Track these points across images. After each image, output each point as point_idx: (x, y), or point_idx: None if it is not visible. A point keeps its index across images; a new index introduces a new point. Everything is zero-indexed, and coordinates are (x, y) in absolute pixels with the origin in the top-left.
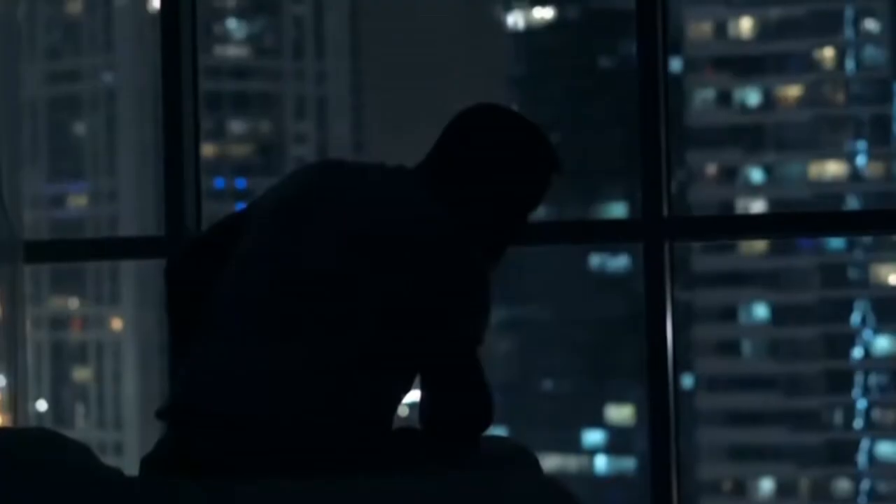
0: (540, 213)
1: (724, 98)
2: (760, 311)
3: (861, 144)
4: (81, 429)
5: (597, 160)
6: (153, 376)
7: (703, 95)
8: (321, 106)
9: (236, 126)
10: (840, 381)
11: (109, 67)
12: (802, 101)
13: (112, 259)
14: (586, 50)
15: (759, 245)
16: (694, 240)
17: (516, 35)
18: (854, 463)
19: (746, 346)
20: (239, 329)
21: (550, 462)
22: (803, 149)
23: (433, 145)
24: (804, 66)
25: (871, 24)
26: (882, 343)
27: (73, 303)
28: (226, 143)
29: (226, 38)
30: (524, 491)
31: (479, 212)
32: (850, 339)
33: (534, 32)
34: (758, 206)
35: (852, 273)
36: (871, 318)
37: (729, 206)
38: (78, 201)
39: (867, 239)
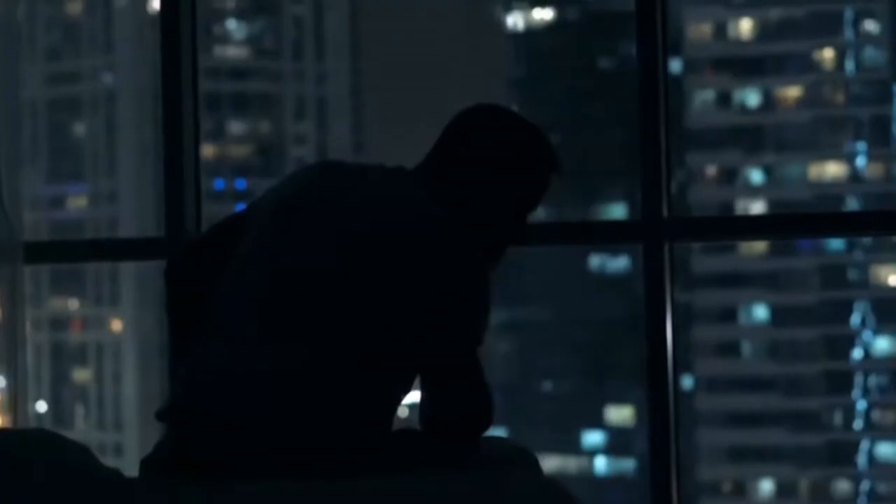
0: (540, 213)
1: (724, 99)
2: (760, 311)
3: (861, 145)
4: (81, 430)
5: (597, 161)
6: (153, 377)
7: (703, 96)
8: (321, 106)
9: (236, 127)
10: (840, 382)
11: (109, 68)
12: (802, 102)
13: (112, 260)
14: (586, 51)
15: (759, 246)
16: (694, 241)
17: (516, 36)
18: (854, 464)
19: (746, 347)
20: (239, 329)
21: (550, 463)
22: (803, 150)
23: (433, 146)
24: (804, 67)
25: (870, 25)
26: (882, 344)
27: (73, 304)
28: (225, 143)
29: (225, 39)
30: (524, 491)
31: (479, 212)
32: (850, 339)
33: (533, 33)
34: (757, 207)
35: (852, 274)
36: (871, 319)
37: (729, 206)
38: (78, 202)
39: (867, 240)
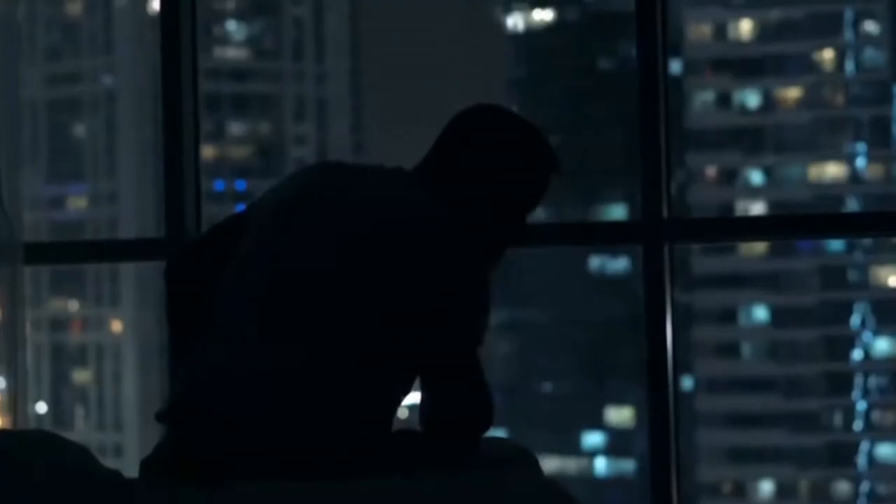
0: (540, 214)
1: (724, 100)
2: (760, 312)
3: (861, 146)
4: (81, 431)
5: (596, 161)
6: (153, 378)
7: (703, 97)
8: (321, 107)
9: (236, 128)
10: (840, 383)
11: (109, 69)
12: (802, 103)
13: (112, 261)
14: (586, 51)
15: (759, 247)
16: (694, 241)
17: (516, 37)
18: (854, 465)
19: (746, 348)
20: (239, 329)
21: (550, 464)
22: (803, 150)
23: (432, 146)
24: (804, 67)
25: (870, 26)
26: (882, 345)
27: (73, 305)
28: (225, 144)
29: (225, 40)
30: (524, 492)
31: (479, 212)
32: (850, 340)
33: (533, 34)
34: (757, 208)
35: (852, 275)
36: (871, 320)
37: (729, 207)
38: (78, 203)
39: (867, 241)
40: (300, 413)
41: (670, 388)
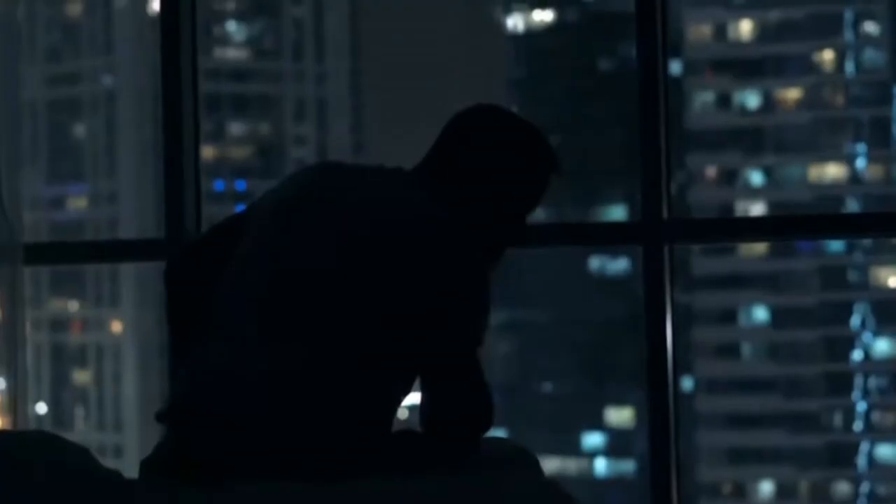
0: (540, 215)
1: (724, 100)
2: (760, 313)
3: (861, 147)
4: (81, 431)
5: (596, 162)
6: (153, 378)
7: (703, 98)
8: (321, 107)
9: (236, 128)
10: (840, 384)
11: (109, 69)
12: (802, 104)
13: (112, 261)
14: (586, 52)
15: (759, 247)
16: (694, 242)
17: (516, 37)
18: (854, 465)
19: (746, 349)
20: (239, 329)
21: (550, 464)
22: (803, 151)
23: (432, 146)
24: (804, 68)
25: (870, 27)
26: (882, 345)
27: (73, 305)
28: (225, 145)
29: (225, 41)
30: (524, 492)
31: (479, 212)
32: (850, 341)
33: (533, 35)
34: (757, 209)
35: (852, 276)
36: (871, 321)
37: (729, 208)
38: (78, 203)
39: (867, 242)
40: (300, 413)
41: (670, 389)
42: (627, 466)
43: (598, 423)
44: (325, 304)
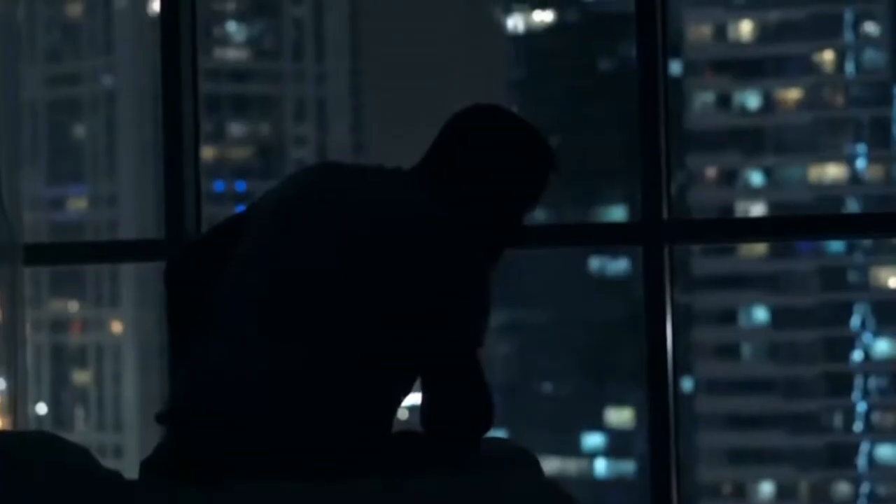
0: (540, 215)
1: (724, 101)
2: (760, 314)
3: (861, 147)
4: (81, 432)
5: (596, 162)
6: (153, 379)
7: (703, 98)
8: (321, 108)
9: (236, 129)
10: (840, 384)
11: (109, 70)
12: (802, 104)
13: (112, 262)
14: (586, 52)
15: (759, 248)
16: (694, 242)
17: (516, 38)
18: (854, 466)
19: (746, 349)
20: (239, 329)
21: (550, 465)
22: (803, 152)
23: (430, 146)
24: (804, 68)
25: (870, 27)
26: (882, 346)
27: (73, 306)
28: (226, 145)
29: (225, 41)
30: (524, 492)
31: (479, 212)
32: (850, 342)
33: (534, 35)
34: (757, 209)
35: (852, 276)
36: (871, 322)
37: (729, 208)
38: (78, 204)
39: (867, 242)
40: (300, 413)
41: (670, 389)
42: (627, 467)
43: (598, 424)
44: (325, 304)
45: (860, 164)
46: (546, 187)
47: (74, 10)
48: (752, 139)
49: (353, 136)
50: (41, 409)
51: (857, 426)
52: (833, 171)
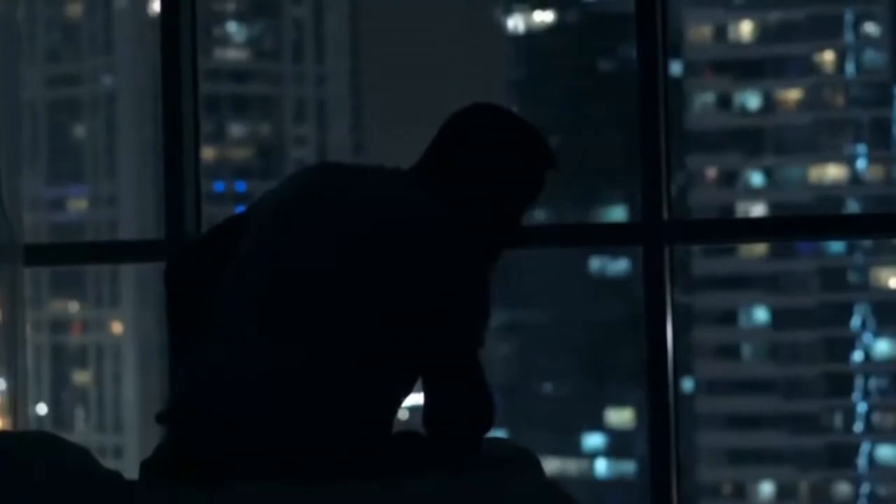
0: (540, 215)
1: (724, 101)
2: (760, 314)
3: (861, 148)
4: (81, 432)
5: (596, 162)
6: (153, 379)
7: (703, 99)
8: (321, 108)
9: (236, 129)
10: (840, 385)
11: (109, 70)
12: (802, 105)
13: (112, 262)
14: (586, 52)
15: (759, 248)
16: (694, 243)
17: (516, 38)
18: (854, 466)
19: (746, 350)
20: (239, 329)
21: (551, 465)
22: (803, 152)
23: (429, 146)
24: (804, 69)
25: (871, 28)
26: (882, 346)
27: (73, 306)
28: (226, 146)
29: (226, 41)
30: (524, 492)
31: (479, 212)
32: (851, 342)
33: (534, 35)
34: (758, 210)
35: (852, 276)
36: (872, 322)
37: (729, 209)
38: (78, 204)
39: (867, 242)
40: (300, 413)
41: (670, 390)
42: (628, 467)
43: (598, 424)
44: (325, 304)
45: (860, 164)
46: (544, 186)
47: (74, 11)
48: (752, 140)
49: (353, 136)
50: (41, 409)
51: (858, 427)
52: (833, 172)
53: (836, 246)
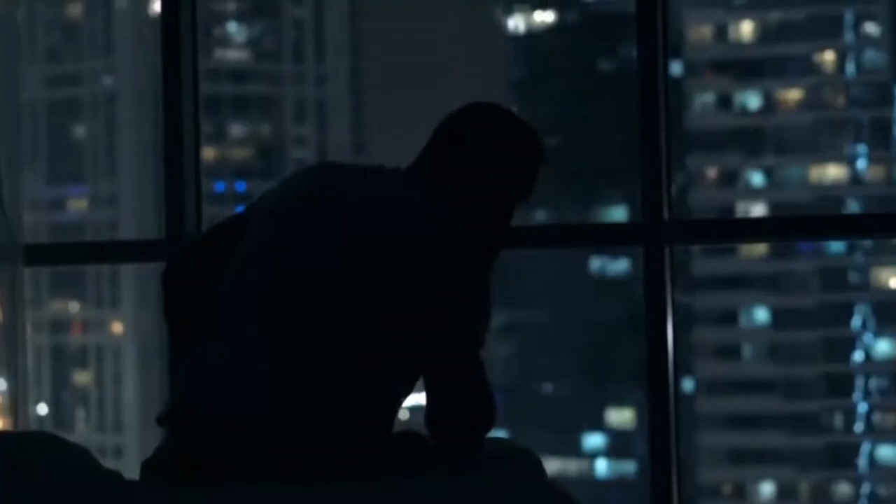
0: (540, 215)
1: (725, 101)
2: (761, 314)
3: (861, 148)
4: (82, 432)
5: (597, 162)
6: (153, 379)
7: (704, 99)
8: (321, 108)
9: (236, 129)
10: (840, 385)
11: (109, 70)
12: (803, 105)
13: (112, 262)
14: (586, 53)
15: (760, 248)
16: (694, 243)
17: (516, 38)
18: (854, 466)
19: (746, 350)
20: (239, 329)
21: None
22: (803, 152)
23: (425, 146)
24: (804, 69)
25: (871, 28)
26: (882, 346)
27: (74, 306)
28: (226, 146)
29: (226, 42)
30: (523, 492)
31: (478, 211)
32: (851, 342)
33: (534, 35)
34: (758, 210)
35: (852, 277)
36: (872, 322)
37: (729, 209)
38: (78, 204)
39: (867, 243)
40: (300, 413)
41: (671, 390)
42: (628, 467)
43: (598, 424)
44: (325, 304)
45: (860, 164)
46: (537, 182)
47: (75, 11)
48: (752, 140)
49: (353, 136)
50: (42, 409)
51: (858, 427)
52: (833, 172)
53: (837, 246)
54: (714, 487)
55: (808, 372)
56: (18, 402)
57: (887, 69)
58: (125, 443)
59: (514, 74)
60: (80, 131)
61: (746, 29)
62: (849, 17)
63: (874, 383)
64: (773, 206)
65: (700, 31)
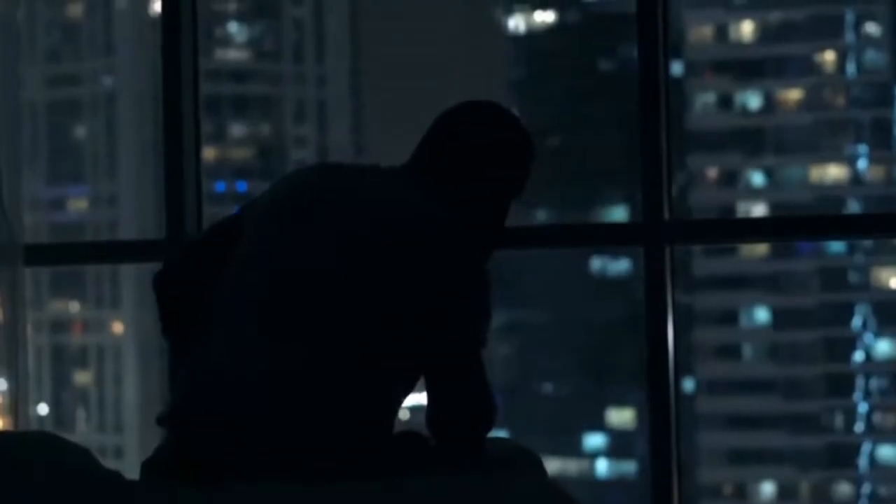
0: (540, 215)
1: (725, 101)
2: (761, 314)
3: (862, 148)
4: (82, 432)
5: (597, 162)
6: (153, 379)
7: (704, 99)
8: (321, 109)
9: (237, 129)
10: (841, 385)
11: (109, 70)
12: (803, 105)
13: (112, 262)
14: (586, 53)
15: (760, 248)
16: (695, 243)
17: (516, 38)
18: (855, 466)
19: (747, 350)
20: (239, 329)
21: (551, 466)
22: (804, 152)
23: (419, 145)
24: (805, 69)
25: (871, 28)
26: (883, 346)
27: (74, 306)
28: (226, 146)
29: (226, 42)
30: (524, 492)
31: (477, 211)
32: (851, 342)
33: (534, 35)
34: (758, 210)
35: (853, 277)
36: (872, 322)
37: (730, 209)
38: (78, 204)
39: (868, 243)
40: (300, 413)
41: (671, 390)
42: (628, 467)
43: (598, 424)
44: (325, 304)
45: (861, 164)
46: (528, 178)
47: (75, 11)
48: (752, 140)
49: (353, 136)
50: (42, 409)
51: (859, 427)
52: (834, 172)
53: (837, 246)
54: (714, 487)
55: (809, 372)
56: (19, 402)
57: (888, 69)
58: (125, 443)
59: (514, 74)
60: (80, 131)
61: (747, 29)
62: (849, 17)
63: (874, 383)
64: (774, 206)
65: (700, 32)
